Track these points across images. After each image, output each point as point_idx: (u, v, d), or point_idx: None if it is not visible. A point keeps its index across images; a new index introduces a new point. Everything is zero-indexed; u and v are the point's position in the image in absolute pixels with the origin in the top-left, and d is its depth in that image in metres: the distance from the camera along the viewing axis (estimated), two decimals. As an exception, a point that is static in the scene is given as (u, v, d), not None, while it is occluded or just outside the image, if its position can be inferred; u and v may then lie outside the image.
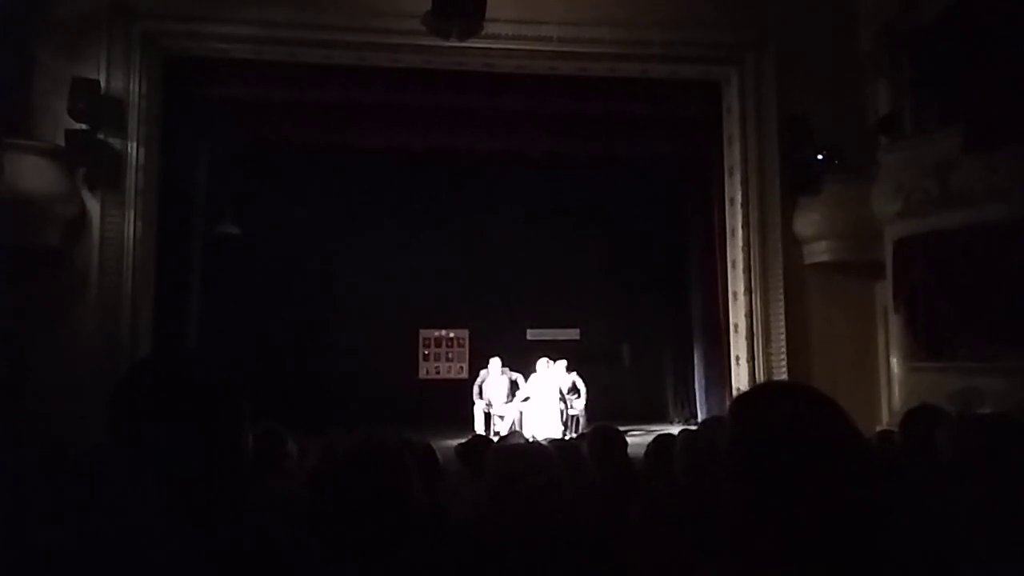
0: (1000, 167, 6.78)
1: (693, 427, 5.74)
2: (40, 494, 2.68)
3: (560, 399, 9.60)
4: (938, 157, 7.25)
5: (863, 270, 8.40)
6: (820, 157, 8.26)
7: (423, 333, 13.25)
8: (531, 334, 12.76)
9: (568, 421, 9.84)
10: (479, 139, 10.16)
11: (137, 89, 7.90)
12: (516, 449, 2.28)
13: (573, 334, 13.01)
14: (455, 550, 1.85)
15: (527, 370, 9.72)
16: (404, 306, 12.30)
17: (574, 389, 10.10)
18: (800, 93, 8.42)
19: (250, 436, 1.24)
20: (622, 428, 4.26)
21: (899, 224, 7.75)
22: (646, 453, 3.57)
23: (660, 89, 8.93)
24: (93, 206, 7.73)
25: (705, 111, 9.25)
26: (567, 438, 8.37)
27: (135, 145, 7.85)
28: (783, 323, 8.37)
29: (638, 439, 6.34)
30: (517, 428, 9.09)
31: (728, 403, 3.11)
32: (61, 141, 7.51)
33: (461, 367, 13.01)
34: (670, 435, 3.45)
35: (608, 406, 10.68)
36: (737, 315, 8.71)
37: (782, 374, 8.19)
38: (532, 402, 9.38)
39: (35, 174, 7.34)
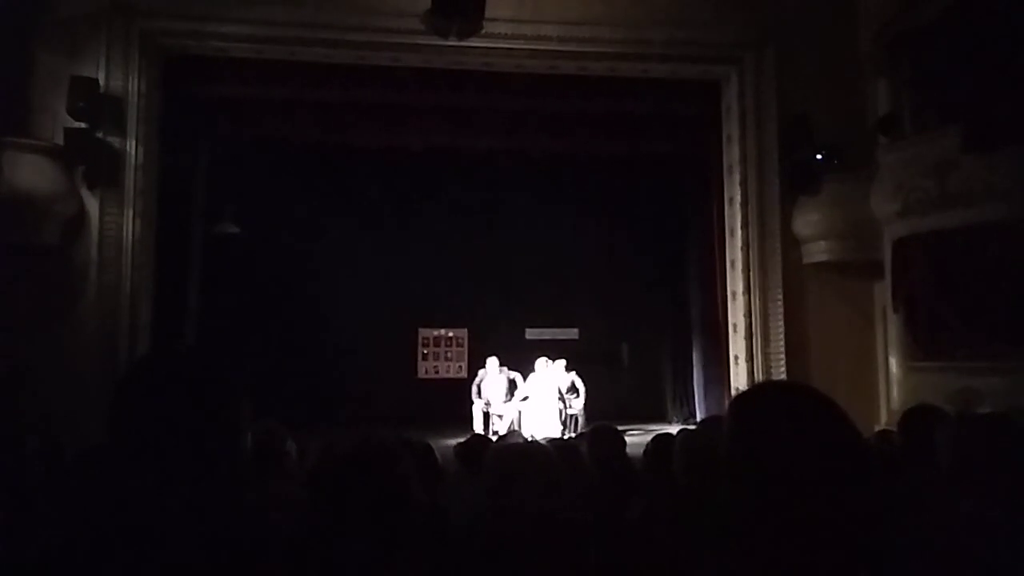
0: (1000, 167, 6.77)
1: (692, 427, 5.76)
2: (40, 494, 2.68)
3: (559, 398, 9.61)
4: (938, 157, 7.25)
5: (862, 270, 8.39)
6: (819, 157, 8.24)
7: (422, 332, 13.26)
8: (530, 333, 12.78)
9: (567, 420, 9.85)
10: (478, 138, 10.17)
11: (136, 88, 7.88)
12: (515, 449, 2.29)
13: (572, 333, 13.03)
14: (454, 550, 1.86)
15: (526, 369, 9.73)
16: (403, 305, 12.32)
17: (573, 388, 10.11)
18: (799, 93, 8.42)
19: (250, 435, 1.24)
20: (621, 428, 4.27)
21: (898, 224, 7.75)
22: (645, 453, 3.57)
23: (660, 88, 8.92)
24: (92, 205, 7.71)
25: (705, 110, 9.24)
26: (566, 438, 8.39)
27: (134, 144, 7.83)
28: (782, 323, 8.37)
29: (637, 439, 6.34)
30: (516, 428, 9.09)
31: (727, 403, 3.11)
32: (60, 140, 7.50)
33: (460, 366, 13.02)
34: (669, 435, 3.45)
35: (607, 405, 10.70)
36: (736, 315, 8.71)
37: (781, 374, 8.19)
38: (531, 402, 9.38)
39: (34, 173, 7.33)
